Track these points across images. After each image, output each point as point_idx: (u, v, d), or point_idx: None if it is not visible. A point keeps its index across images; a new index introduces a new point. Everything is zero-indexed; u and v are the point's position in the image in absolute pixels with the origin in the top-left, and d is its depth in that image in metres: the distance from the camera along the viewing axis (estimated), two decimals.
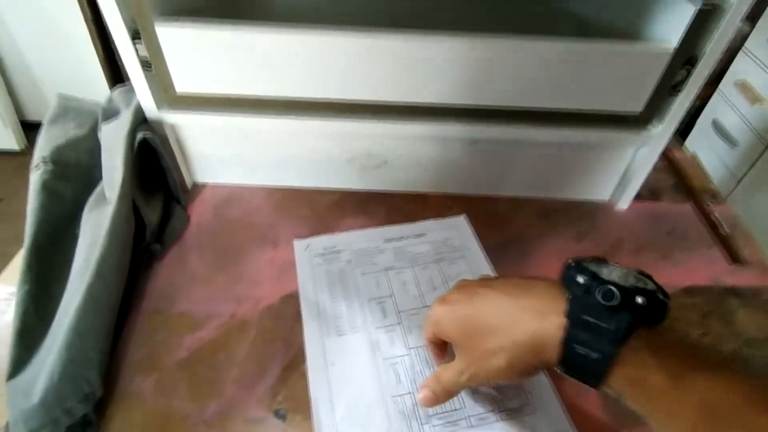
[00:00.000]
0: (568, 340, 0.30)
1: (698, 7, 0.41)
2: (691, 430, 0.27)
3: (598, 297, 0.30)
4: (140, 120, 0.49)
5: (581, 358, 0.30)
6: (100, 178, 0.50)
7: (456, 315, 0.36)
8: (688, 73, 0.45)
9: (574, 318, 0.30)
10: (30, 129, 2.00)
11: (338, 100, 0.48)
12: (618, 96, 0.48)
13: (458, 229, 0.56)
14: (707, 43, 0.43)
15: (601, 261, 0.33)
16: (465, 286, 0.38)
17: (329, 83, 0.47)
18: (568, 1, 0.55)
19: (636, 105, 0.48)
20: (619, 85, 0.47)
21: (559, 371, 0.32)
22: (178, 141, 0.54)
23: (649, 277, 0.32)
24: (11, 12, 1.77)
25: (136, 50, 0.44)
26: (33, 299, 0.42)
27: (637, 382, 0.29)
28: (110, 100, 0.54)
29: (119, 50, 0.44)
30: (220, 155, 0.56)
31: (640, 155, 0.55)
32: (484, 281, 0.38)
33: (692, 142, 1.59)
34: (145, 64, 0.45)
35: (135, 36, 0.43)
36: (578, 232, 0.57)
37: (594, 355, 0.30)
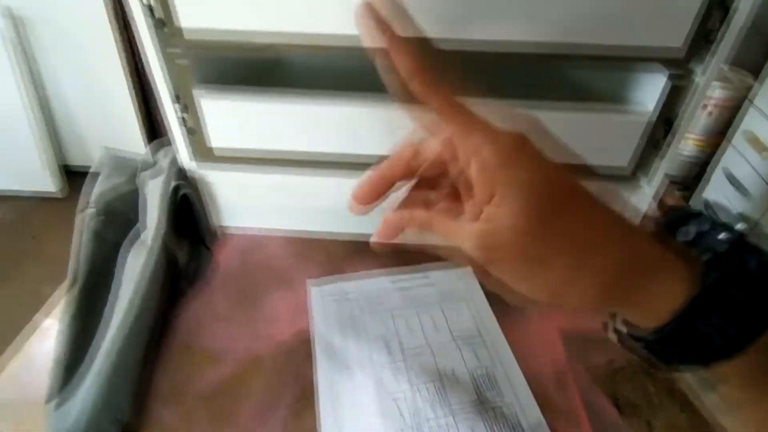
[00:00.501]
0: (692, 313, 0.22)
1: (668, 78, 0.46)
2: None
3: (753, 265, 0.22)
4: (177, 173, 0.56)
5: (696, 338, 0.22)
6: (137, 221, 0.56)
7: (536, 194, 0.23)
8: (666, 133, 0.49)
9: (711, 286, 0.22)
10: (70, 174, 2.14)
11: (357, 157, 0.54)
12: (607, 154, 0.53)
13: (463, 277, 0.59)
14: (682, 107, 0.48)
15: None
16: (555, 168, 0.25)
17: (349, 141, 0.53)
18: (561, 70, 0.61)
19: (623, 161, 0.53)
20: (607, 144, 0.52)
21: (622, 339, 0.26)
22: (210, 192, 0.61)
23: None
24: (63, 66, 1.95)
25: (177, 113, 0.51)
26: (74, 330, 0.47)
27: (754, 379, 0.23)
28: (149, 153, 0.61)
29: (163, 113, 0.51)
30: (246, 204, 0.62)
31: (631, 207, 0.58)
32: (575, 179, 0.26)
33: (708, 191, 1.61)
34: (187, 128, 0.52)
35: (177, 100, 0.50)
36: None
37: (719, 340, 0.22)
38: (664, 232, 0.25)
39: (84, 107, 2.04)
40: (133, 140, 2.08)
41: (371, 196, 0.30)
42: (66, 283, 0.52)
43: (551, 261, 0.23)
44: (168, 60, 0.47)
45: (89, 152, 2.14)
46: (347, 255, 0.63)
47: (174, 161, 0.56)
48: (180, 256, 0.53)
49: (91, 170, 0.61)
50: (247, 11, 0.43)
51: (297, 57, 0.59)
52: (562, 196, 0.24)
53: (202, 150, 0.54)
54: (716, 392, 0.24)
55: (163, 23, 0.45)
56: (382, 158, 0.31)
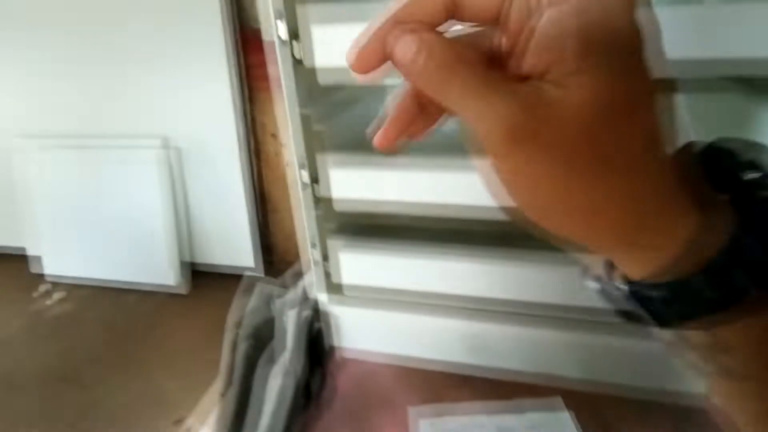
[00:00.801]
0: (737, 247, 0.19)
1: None
2: None
3: None
4: (310, 304, 0.67)
5: (726, 288, 0.19)
6: (270, 340, 0.66)
7: (602, 102, 0.17)
8: None
9: (758, 217, 0.19)
10: (192, 272, 2.43)
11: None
12: None
13: (560, 420, 0.61)
14: None
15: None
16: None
17: (478, 285, 0.60)
18: None
19: None
20: None
21: (605, 288, 0.23)
22: (335, 322, 0.70)
23: None
24: (200, 183, 2.33)
25: (315, 257, 0.63)
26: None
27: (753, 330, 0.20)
28: (284, 284, 0.73)
29: (302, 251, 0.64)
30: (366, 333, 0.71)
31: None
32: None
33: None
34: (323, 270, 0.64)
35: (314, 246, 0.63)
36: None
37: (732, 298, 0.19)
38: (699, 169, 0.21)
39: (211, 215, 2.38)
40: (245, 250, 2.36)
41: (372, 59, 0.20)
42: (214, 390, 0.62)
43: (597, 174, 0.18)
44: (319, 224, 0.60)
45: (211, 254, 2.45)
46: (447, 382, 0.67)
47: (308, 294, 0.67)
48: (312, 382, 0.62)
49: (238, 294, 0.74)
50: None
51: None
52: (641, 100, 0.18)
53: (332, 286, 0.65)
54: (714, 364, 0.21)
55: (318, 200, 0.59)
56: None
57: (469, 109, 0.18)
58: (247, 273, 0.77)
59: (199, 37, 2.06)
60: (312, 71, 0.50)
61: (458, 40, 0.20)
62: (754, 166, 0.20)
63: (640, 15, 0.17)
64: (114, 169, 2.31)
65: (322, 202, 0.58)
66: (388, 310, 0.65)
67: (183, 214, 2.38)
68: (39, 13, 2.21)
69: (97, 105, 2.31)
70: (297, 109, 0.52)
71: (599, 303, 0.24)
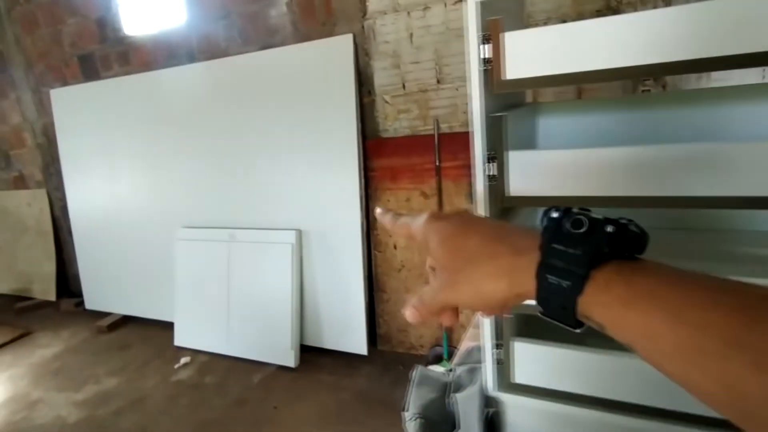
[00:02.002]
0: (541, 270, 0.32)
1: None
2: (671, 348, 0.27)
3: (567, 225, 0.32)
4: (486, 398, 0.73)
5: (554, 288, 0.31)
6: (447, 426, 0.72)
7: (445, 233, 0.38)
8: None
9: (546, 247, 0.32)
10: (304, 351, 2.59)
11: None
12: None
13: None
14: None
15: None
16: (461, 213, 0.40)
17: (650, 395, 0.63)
18: None
19: None
20: None
21: (538, 313, 0.33)
22: (506, 413, 0.75)
23: (632, 221, 0.32)
24: (322, 268, 2.55)
25: (494, 355, 0.70)
26: None
27: (609, 306, 0.29)
28: (458, 376, 0.80)
29: (484, 350, 0.71)
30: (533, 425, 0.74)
31: None
32: (478, 216, 0.42)
33: None
34: (498, 362, 0.70)
35: (498, 347, 0.70)
36: None
37: (565, 283, 0.31)
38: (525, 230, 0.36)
39: (326, 300, 2.56)
40: (357, 336, 2.48)
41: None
42: None
43: (465, 277, 0.36)
44: (504, 326, 0.68)
45: (320, 335, 2.59)
46: None
47: (481, 388, 0.73)
48: None
49: (413, 384, 0.82)
50: None
51: None
52: (455, 236, 0.38)
53: (507, 383, 0.71)
54: (606, 328, 0.30)
55: None
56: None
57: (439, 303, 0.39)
58: (418, 365, 0.85)
59: (336, 144, 2.39)
60: (509, 199, 0.61)
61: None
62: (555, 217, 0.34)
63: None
64: (254, 257, 2.62)
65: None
66: (560, 402, 0.68)
67: (307, 299, 2.59)
68: (196, 125, 2.74)
69: (243, 200, 2.71)
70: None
71: None
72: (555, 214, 0.34)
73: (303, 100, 2.44)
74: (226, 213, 2.77)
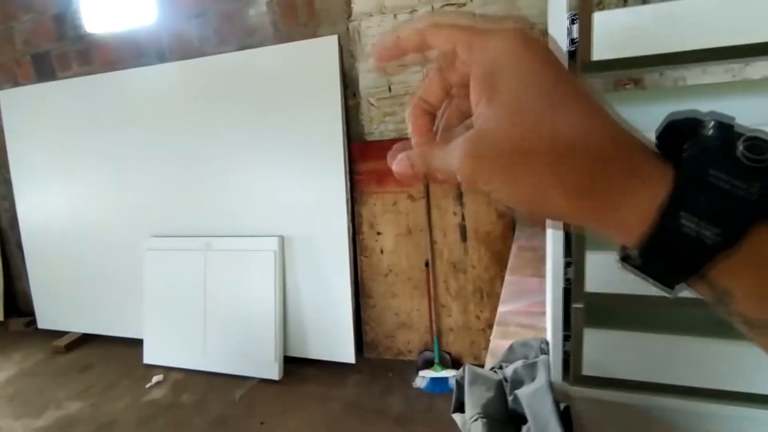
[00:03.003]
0: (676, 204, 0.21)
1: None
2: None
3: (740, 149, 0.20)
4: (553, 390, 0.70)
5: (684, 236, 0.21)
6: (509, 422, 0.69)
7: (541, 67, 0.23)
8: None
9: (696, 173, 0.21)
10: (287, 362, 2.48)
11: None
12: None
13: None
14: None
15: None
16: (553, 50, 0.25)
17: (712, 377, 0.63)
18: None
19: None
20: None
21: (618, 261, 0.23)
22: (576, 405, 0.73)
23: None
24: (305, 275, 2.47)
25: (562, 345, 0.68)
26: None
27: (759, 268, 0.20)
28: (515, 372, 0.77)
29: (553, 337, 0.68)
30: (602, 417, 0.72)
31: None
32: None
33: None
34: (566, 354, 0.68)
35: (566, 338, 0.67)
36: None
37: (710, 234, 0.20)
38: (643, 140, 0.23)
39: (310, 308, 2.48)
40: (344, 344, 2.41)
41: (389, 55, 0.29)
42: None
43: (530, 164, 0.23)
44: (576, 317, 0.66)
45: (305, 345, 2.50)
46: None
47: (549, 382, 0.71)
48: None
49: (467, 384, 0.78)
50: None
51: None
52: (557, 94, 0.23)
53: (576, 375, 0.69)
54: (731, 312, 0.22)
55: (582, 294, 0.65)
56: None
57: (448, 169, 0.25)
58: (469, 363, 0.81)
59: (320, 148, 2.33)
60: None
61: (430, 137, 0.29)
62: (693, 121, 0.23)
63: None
64: (233, 266, 2.50)
65: (584, 297, 0.64)
66: (630, 399, 0.67)
67: (290, 308, 2.49)
68: (168, 124, 2.60)
69: (220, 206, 2.58)
70: None
71: None
72: (714, 122, 0.22)
73: (285, 102, 2.37)
74: (201, 220, 2.63)
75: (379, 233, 2.45)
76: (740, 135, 0.21)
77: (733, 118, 0.22)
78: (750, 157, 0.20)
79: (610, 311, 0.70)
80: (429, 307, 2.39)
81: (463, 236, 2.32)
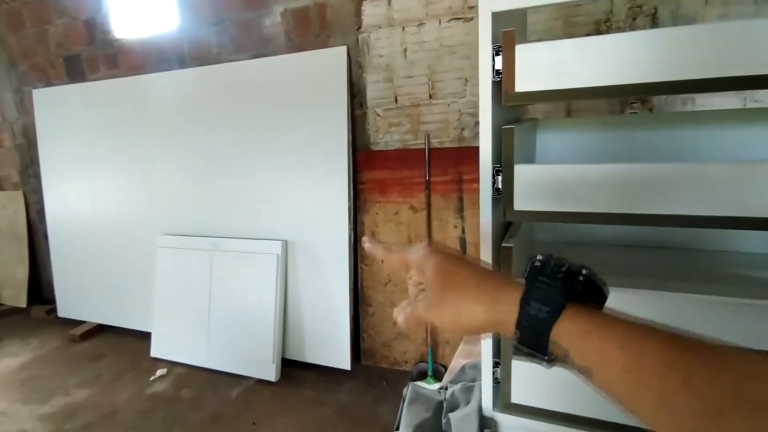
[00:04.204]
0: (525, 298, 0.39)
1: None
2: (621, 370, 0.34)
3: (550, 266, 0.40)
4: (482, 416, 0.70)
5: (533, 315, 0.38)
6: None
7: (442, 263, 0.45)
8: None
9: (532, 280, 0.40)
10: (285, 364, 2.53)
11: None
12: None
13: None
14: None
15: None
16: (454, 251, 0.47)
17: None
18: None
19: None
20: None
21: (513, 343, 0.40)
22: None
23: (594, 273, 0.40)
24: (306, 278, 2.51)
25: (492, 374, 0.68)
26: None
27: (574, 333, 0.36)
28: (452, 395, 0.77)
29: (484, 367, 0.69)
30: None
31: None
32: (468, 257, 0.48)
33: None
34: (497, 381, 0.68)
35: (496, 366, 0.68)
36: None
37: (544, 310, 0.38)
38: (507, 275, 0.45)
39: (310, 313, 2.51)
40: (341, 350, 2.43)
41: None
42: None
43: (453, 300, 0.44)
44: (504, 344, 0.66)
45: (303, 349, 2.53)
46: None
47: (478, 407, 0.71)
48: None
49: (405, 403, 0.79)
50: None
51: None
52: (449, 267, 0.45)
53: (505, 403, 0.69)
54: (578, 371, 0.37)
55: None
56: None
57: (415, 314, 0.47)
58: (415, 383, 0.82)
59: (326, 156, 2.37)
60: (514, 213, 0.60)
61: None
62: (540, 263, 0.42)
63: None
64: (238, 267, 2.57)
65: None
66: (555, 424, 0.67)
67: (290, 311, 2.54)
68: (181, 128, 2.70)
69: (227, 208, 2.65)
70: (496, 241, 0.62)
71: None
72: (540, 257, 0.42)
73: (294, 110, 2.42)
74: (210, 221, 2.71)
75: (379, 242, 2.46)
76: (551, 261, 0.41)
77: (550, 255, 0.42)
78: (555, 270, 0.40)
79: None
80: None
81: (464, 249, 2.31)
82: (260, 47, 2.56)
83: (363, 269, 2.51)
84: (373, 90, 2.37)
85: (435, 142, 2.28)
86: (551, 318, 0.38)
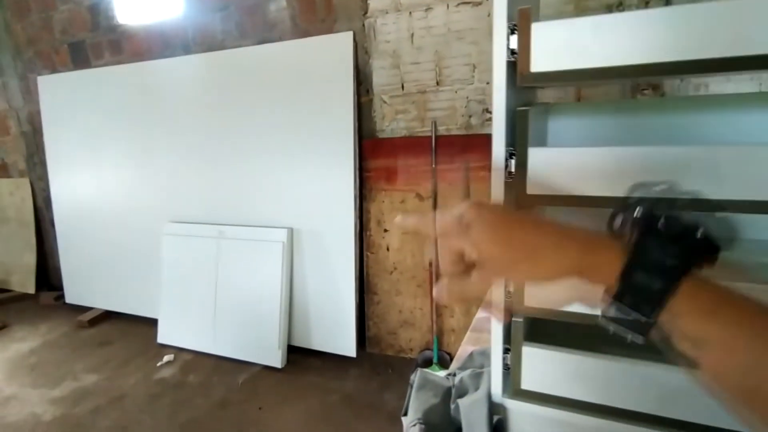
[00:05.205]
0: (629, 267, 0.30)
1: None
2: (751, 360, 0.26)
3: (660, 220, 0.31)
4: (491, 403, 0.70)
5: (640, 289, 0.30)
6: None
7: (496, 223, 0.35)
8: None
9: (639, 244, 0.30)
10: (291, 351, 2.54)
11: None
12: None
13: None
14: None
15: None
16: (503, 205, 0.39)
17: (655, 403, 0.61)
18: None
19: None
20: None
21: (602, 315, 0.32)
22: (510, 419, 0.72)
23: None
24: (312, 266, 2.51)
25: (502, 361, 0.67)
26: None
27: (691, 314, 0.29)
28: (461, 381, 0.77)
29: (494, 354, 0.68)
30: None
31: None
32: (523, 211, 0.40)
33: None
34: (506, 367, 0.68)
35: (506, 351, 0.67)
36: None
37: (657, 283, 0.30)
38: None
39: (315, 300, 2.52)
40: (346, 337, 2.44)
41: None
42: None
43: (519, 257, 0.35)
44: (516, 330, 0.65)
45: (309, 336, 2.55)
46: None
47: (490, 394, 0.70)
48: None
49: (414, 388, 0.79)
50: None
51: None
52: (510, 223, 0.36)
53: (514, 389, 0.68)
54: (686, 342, 0.29)
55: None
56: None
57: (463, 293, 0.39)
58: (423, 370, 0.82)
59: (331, 143, 2.36)
60: (528, 197, 0.59)
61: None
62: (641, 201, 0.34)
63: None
64: (244, 254, 2.57)
65: (523, 312, 0.64)
66: (566, 410, 0.66)
67: (296, 299, 2.54)
68: (188, 115, 2.68)
69: (234, 196, 2.65)
70: None
71: None
72: (641, 207, 0.32)
73: (300, 96, 2.40)
74: (215, 209, 2.71)
75: (386, 230, 2.46)
76: (660, 211, 0.32)
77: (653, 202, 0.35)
78: (669, 225, 0.31)
79: (564, 329, 0.69)
80: (431, 306, 2.39)
81: None
82: (265, 33, 2.53)
83: (369, 257, 2.51)
84: (380, 76, 2.35)
85: (442, 130, 2.26)
86: (666, 291, 0.30)
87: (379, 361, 2.54)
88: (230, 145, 2.62)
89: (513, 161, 0.59)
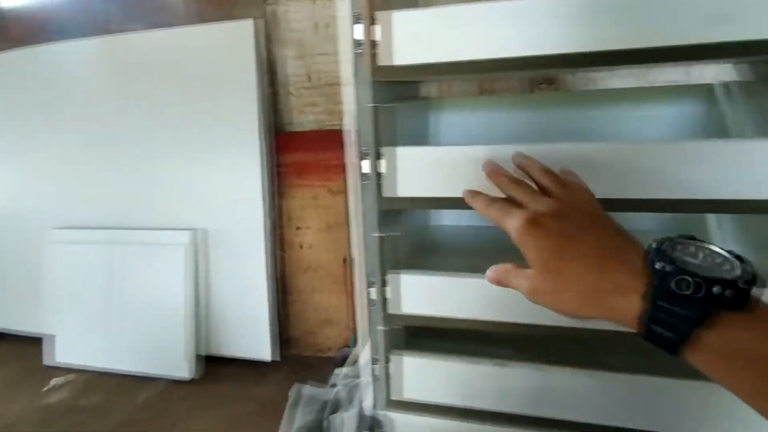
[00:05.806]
0: (646, 320, 0.33)
1: None
2: None
3: (672, 286, 0.32)
4: (364, 417, 0.66)
5: (658, 335, 0.32)
6: None
7: (543, 253, 0.39)
8: None
9: (651, 302, 0.33)
10: (209, 361, 2.38)
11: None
12: None
13: None
14: None
15: (689, 240, 0.35)
16: (565, 216, 0.40)
17: (540, 404, 0.60)
18: None
19: None
20: None
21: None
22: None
23: (740, 259, 0.33)
24: (221, 268, 2.36)
25: (373, 371, 0.64)
26: None
27: (708, 360, 0.31)
28: (337, 394, 0.72)
29: (365, 363, 0.64)
30: None
31: None
32: (581, 222, 0.41)
33: None
34: (375, 378, 0.64)
35: (375, 362, 0.63)
36: None
37: (669, 335, 0.32)
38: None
39: (228, 305, 2.38)
40: (261, 341, 2.33)
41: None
42: None
43: (553, 287, 0.38)
44: (385, 340, 0.61)
45: (225, 343, 2.40)
46: None
47: (363, 408, 0.66)
48: None
49: (288, 405, 0.73)
50: None
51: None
52: (551, 248, 0.39)
53: (388, 400, 0.65)
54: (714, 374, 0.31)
55: (388, 316, 0.61)
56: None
57: (517, 287, 0.42)
58: (302, 385, 0.76)
59: (235, 137, 2.22)
60: (388, 200, 0.55)
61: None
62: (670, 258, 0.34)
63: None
64: (143, 260, 2.36)
65: (390, 319, 0.60)
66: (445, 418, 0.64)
67: (203, 305, 2.39)
68: (72, 107, 2.41)
69: (129, 197, 2.42)
70: (373, 231, 0.56)
71: None
72: (659, 266, 0.33)
73: (199, 87, 2.23)
74: (110, 212, 2.46)
75: (298, 227, 2.37)
76: (675, 272, 0.32)
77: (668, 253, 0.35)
78: (678, 293, 0.32)
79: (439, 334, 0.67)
80: (347, 303, 2.35)
81: None
82: (154, 17, 2.31)
83: (282, 256, 2.41)
84: (286, 67, 2.24)
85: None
86: (678, 341, 0.32)
87: (299, 362, 2.46)
88: (125, 142, 2.39)
89: (367, 162, 0.54)
